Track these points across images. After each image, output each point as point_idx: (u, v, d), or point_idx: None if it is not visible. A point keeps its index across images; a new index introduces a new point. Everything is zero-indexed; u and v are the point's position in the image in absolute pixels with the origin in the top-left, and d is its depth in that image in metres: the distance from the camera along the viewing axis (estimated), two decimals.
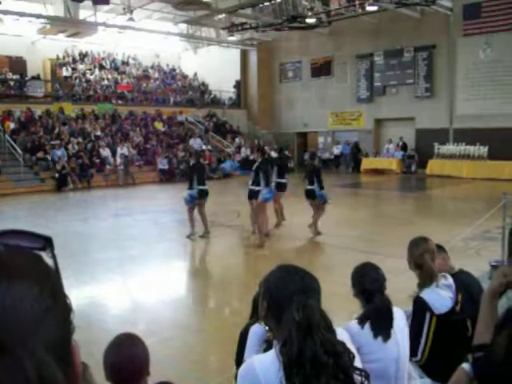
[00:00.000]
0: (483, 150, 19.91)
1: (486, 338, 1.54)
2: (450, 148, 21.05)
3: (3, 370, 0.47)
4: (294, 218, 11.39)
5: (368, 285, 2.54)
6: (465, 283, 3.19)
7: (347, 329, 2.30)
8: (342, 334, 1.67)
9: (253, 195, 9.35)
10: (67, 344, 0.57)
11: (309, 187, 9.62)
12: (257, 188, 9.26)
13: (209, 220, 10.00)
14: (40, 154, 19.32)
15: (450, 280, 3.04)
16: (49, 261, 0.60)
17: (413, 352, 2.93)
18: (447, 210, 13.68)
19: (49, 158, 19.35)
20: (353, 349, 1.63)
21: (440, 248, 3.51)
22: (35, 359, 0.49)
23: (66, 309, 0.59)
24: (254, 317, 2.49)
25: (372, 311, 2.50)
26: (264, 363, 1.56)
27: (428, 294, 2.96)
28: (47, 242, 0.61)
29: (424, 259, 2.95)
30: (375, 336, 2.41)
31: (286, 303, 1.55)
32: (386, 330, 2.44)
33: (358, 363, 1.64)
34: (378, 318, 2.46)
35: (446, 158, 20.94)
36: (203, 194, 9.68)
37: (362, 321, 2.46)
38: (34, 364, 0.49)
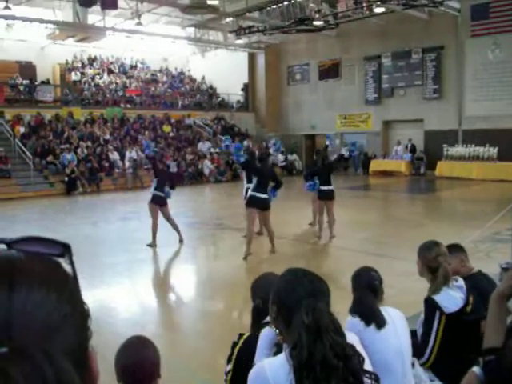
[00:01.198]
0: (493, 151, 19.78)
1: (495, 342, 1.53)
2: (459, 149, 20.92)
3: (23, 375, 0.47)
4: (302, 220, 11.39)
5: (359, 284, 2.63)
6: (478, 285, 3.17)
7: (347, 324, 2.34)
8: (351, 337, 1.67)
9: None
10: (84, 350, 0.57)
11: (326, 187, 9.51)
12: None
13: (216, 223, 9.99)
14: (50, 158, 19.45)
15: (461, 281, 3.04)
16: (67, 267, 0.61)
17: (421, 353, 2.93)
18: (457, 211, 13.61)
19: (57, 163, 19.46)
20: (362, 351, 1.64)
21: (459, 248, 3.49)
22: (54, 365, 0.50)
23: (84, 315, 0.59)
24: (254, 327, 2.50)
25: (355, 302, 2.57)
26: (274, 366, 1.57)
27: (438, 295, 2.96)
28: (65, 249, 0.62)
29: (439, 261, 2.96)
30: (367, 324, 2.44)
31: (296, 307, 1.56)
32: (375, 317, 2.46)
33: (367, 366, 1.64)
34: (361, 308, 2.52)
35: (455, 160, 20.82)
36: (160, 200, 9.32)
37: (351, 312, 2.52)
38: (53, 369, 0.49)
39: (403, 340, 2.50)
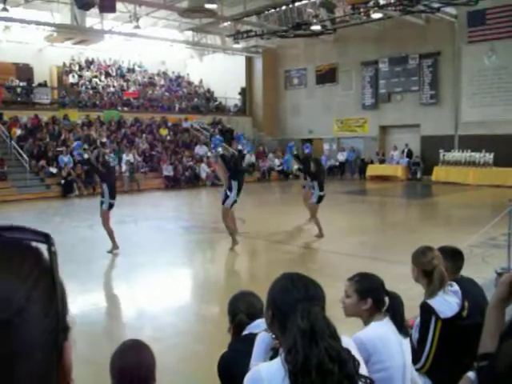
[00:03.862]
0: (489, 156, 19.86)
1: (491, 347, 1.53)
2: (456, 155, 21.01)
3: None
4: (299, 224, 11.40)
5: (378, 294, 2.53)
6: (470, 289, 3.17)
7: (359, 336, 2.32)
8: (346, 342, 1.67)
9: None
10: (51, 339, 0.58)
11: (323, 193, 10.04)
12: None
13: (213, 227, 9.97)
14: (42, 163, 19.34)
15: (456, 287, 3.04)
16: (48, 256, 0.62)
17: (417, 358, 2.92)
18: (452, 217, 13.65)
19: (52, 169, 19.40)
20: (358, 356, 1.64)
21: (447, 254, 3.45)
22: None
23: (52, 304, 0.59)
24: (234, 339, 2.51)
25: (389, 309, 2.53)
26: (270, 371, 1.57)
27: (434, 300, 2.96)
28: (46, 238, 0.62)
29: (434, 264, 2.96)
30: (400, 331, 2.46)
31: (290, 311, 1.56)
32: (399, 326, 2.48)
33: (363, 370, 1.64)
34: (393, 315, 2.49)
35: (451, 165, 20.90)
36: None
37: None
38: None
39: (407, 354, 2.49)
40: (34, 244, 0.61)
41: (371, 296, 2.47)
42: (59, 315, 0.59)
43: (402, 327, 2.50)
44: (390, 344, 2.41)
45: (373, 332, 2.42)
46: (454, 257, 3.39)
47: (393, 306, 2.50)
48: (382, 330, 2.44)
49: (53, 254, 0.61)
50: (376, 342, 2.37)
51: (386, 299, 2.49)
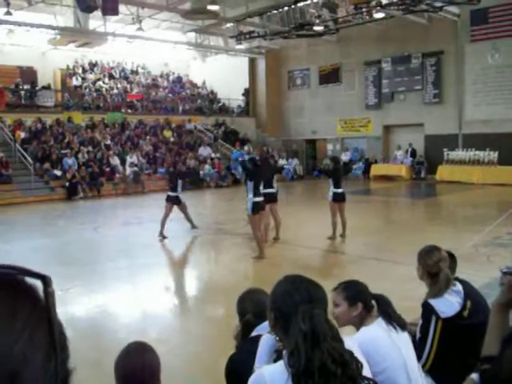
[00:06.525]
0: (493, 155, 19.79)
1: (494, 350, 1.52)
2: (460, 154, 20.96)
3: None
4: (303, 225, 11.39)
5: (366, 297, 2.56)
6: (470, 289, 3.17)
7: (347, 343, 2.31)
8: (349, 343, 1.67)
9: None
10: None
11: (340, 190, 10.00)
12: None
13: (217, 228, 9.96)
14: (47, 166, 19.40)
15: (459, 286, 3.04)
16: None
17: (418, 357, 2.92)
18: (457, 216, 13.61)
19: (57, 172, 19.45)
20: (361, 358, 1.64)
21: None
22: None
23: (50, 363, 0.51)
24: (244, 340, 2.51)
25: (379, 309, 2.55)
26: (273, 373, 1.57)
27: (435, 299, 2.96)
28: (42, 279, 0.54)
29: (440, 267, 2.95)
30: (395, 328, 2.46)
31: (293, 313, 1.56)
32: (395, 321, 2.48)
33: (366, 372, 1.64)
34: (383, 314, 2.50)
35: (455, 164, 20.84)
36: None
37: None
38: None
39: (404, 351, 2.45)
40: (27, 282, 0.53)
41: (360, 300, 2.48)
42: (58, 366, 0.52)
43: (399, 321, 2.51)
44: (382, 345, 2.38)
45: (361, 337, 2.37)
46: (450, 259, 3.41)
47: (380, 306, 2.52)
48: (371, 333, 2.41)
49: (49, 295, 0.53)
50: (367, 345, 2.32)
51: (373, 302, 2.51)
